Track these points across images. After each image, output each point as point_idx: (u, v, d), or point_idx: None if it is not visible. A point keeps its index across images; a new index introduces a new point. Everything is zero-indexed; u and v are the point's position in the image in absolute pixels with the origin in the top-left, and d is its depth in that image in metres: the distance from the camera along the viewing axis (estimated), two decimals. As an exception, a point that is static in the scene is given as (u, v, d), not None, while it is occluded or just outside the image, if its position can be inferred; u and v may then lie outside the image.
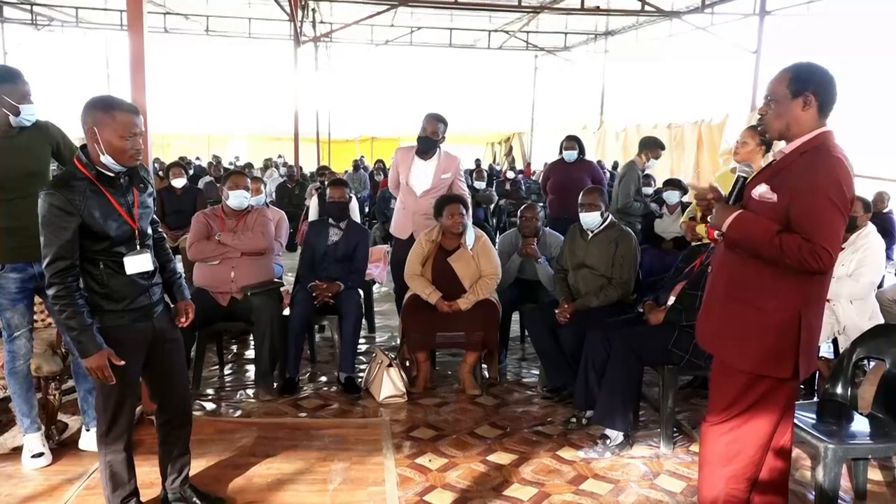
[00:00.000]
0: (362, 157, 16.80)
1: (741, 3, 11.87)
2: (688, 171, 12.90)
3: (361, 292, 4.63)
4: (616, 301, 3.94)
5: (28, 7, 15.62)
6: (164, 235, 2.70)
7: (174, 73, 19.07)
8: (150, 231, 2.52)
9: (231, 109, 21.04)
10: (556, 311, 3.97)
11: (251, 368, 4.48)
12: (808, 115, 2.06)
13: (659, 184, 8.84)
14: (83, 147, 2.33)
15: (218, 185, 8.82)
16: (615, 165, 14.74)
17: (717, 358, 2.29)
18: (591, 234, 4.06)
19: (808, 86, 2.05)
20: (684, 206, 6.21)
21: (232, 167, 15.66)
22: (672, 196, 6.13)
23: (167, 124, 17.90)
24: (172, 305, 2.66)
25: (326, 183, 7.05)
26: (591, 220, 4.01)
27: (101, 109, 2.25)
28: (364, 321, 4.92)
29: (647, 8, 12.00)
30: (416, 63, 20.76)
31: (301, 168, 12.61)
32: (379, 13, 12.95)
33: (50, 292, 2.23)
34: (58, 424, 3.36)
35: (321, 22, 15.36)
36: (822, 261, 1.95)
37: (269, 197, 8.69)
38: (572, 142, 6.48)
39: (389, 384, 3.94)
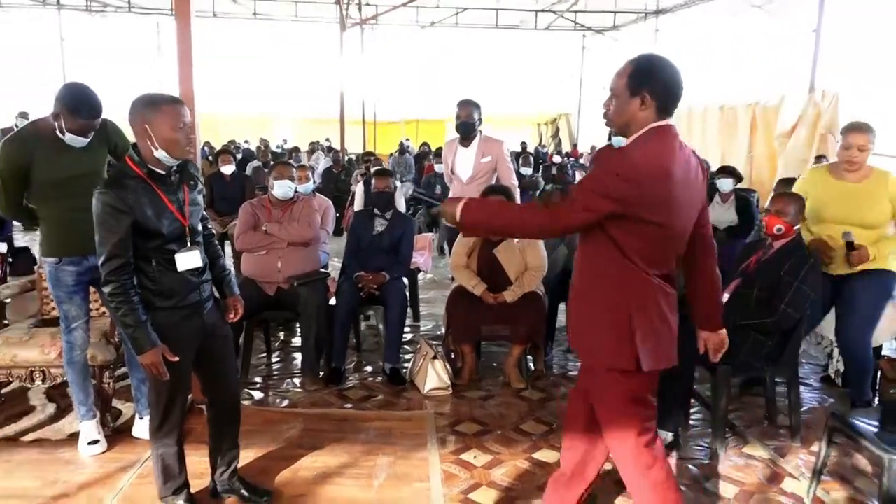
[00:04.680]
0: (407, 139, 16.77)
1: (801, -21, 11.39)
2: (740, 155, 12.51)
3: (406, 281, 4.63)
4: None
5: (83, -6, 16.08)
6: (213, 231, 2.72)
7: (222, 55, 19.36)
8: (200, 228, 2.54)
9: (278, 92, 21.24)
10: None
11: (297, 356, 4.52)
12: (646, 115, 2.00)
13: (712, 169, 8.67)
14: (134, 145, 2.35)
15: (265, 170, 8.93)
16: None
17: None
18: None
19: (644, 85, 1.99)
20: (738, 194, 6.02)
21: (279, 150, 15.84)
22: (726, 184, 5.90)
23: (215, 106, 18.17)
24: (222, 301, 2.69)
25: (371, 170, 7.07)
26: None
27: (149, 106, 2.29)
28: (409, 310, 4.88)
29: (701, -15, 11.62)
30: (462, 44, 20.52)
31: (346, 152, 12.67)
32: (425, -5, 12.90)
33: (106, 290, 2.27)
34: (112, 411, 3.43)
35: (367, 4, 15.35)
36: (549, 218, 1.99)
37: (316, 182, 8.77)
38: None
39: (434, 376, 3.92)
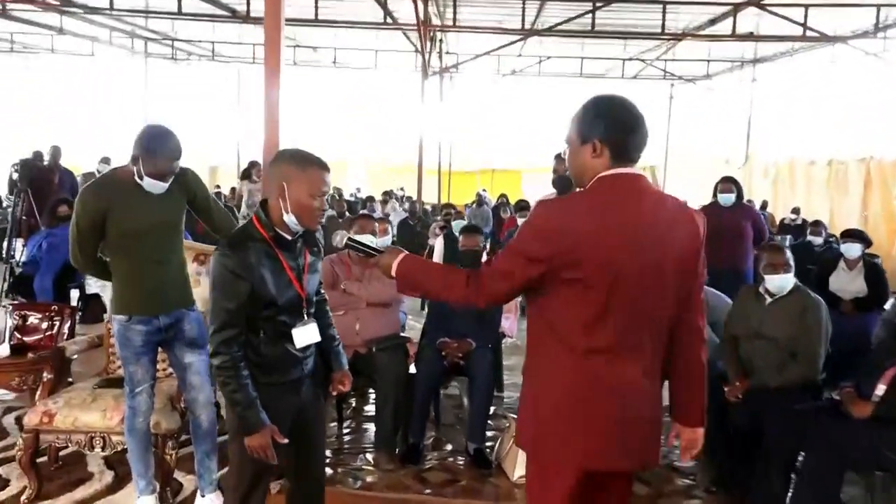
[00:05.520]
0: (484, 190, 16.59)
1: (922, 24, 10.82)
2: (851, 215, 11.81)
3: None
4: (800, 382, 3.39)
5: (170, 43, 16.93)
6: (326, 297, 2.59)
7: (301, 103, 20.04)
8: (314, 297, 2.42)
9: (352, 138, 21.77)
10: (726, 388, 3.50)
11: (370, 427, 4.30)
12: (599, 163, 1.82)
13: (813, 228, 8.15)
14: (263, 203, 2.25)
15: (340, 220, 8.93)
16: (764, 205, 13.80)
17: None
18: (769, 299, 3.59)
19: (594, 131, 1.81)
20: (867, 260, 5.53)
21: (353, 199, 16.01)
22: (853, 249, 5.38)
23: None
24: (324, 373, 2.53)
25: (453, 223, 6.93)
26: (781, 283, 3.51)
27: (295, 164, 2.17)
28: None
29: (808, 33, 11.16)
30: (542, 92, 20.59)
31: (423, 203, 12.65)
32: (510, 44, 12.92)
33: (215, 361, 2.16)
34: (172, 484, 3.27)
35: (447, 52, 15.56)
36: (472, 287, 1.85)
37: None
38: (729, 184, 5.93)
39: (525, 461, 3.62)
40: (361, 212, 11.51)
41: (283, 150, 2.25)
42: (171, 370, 3.41)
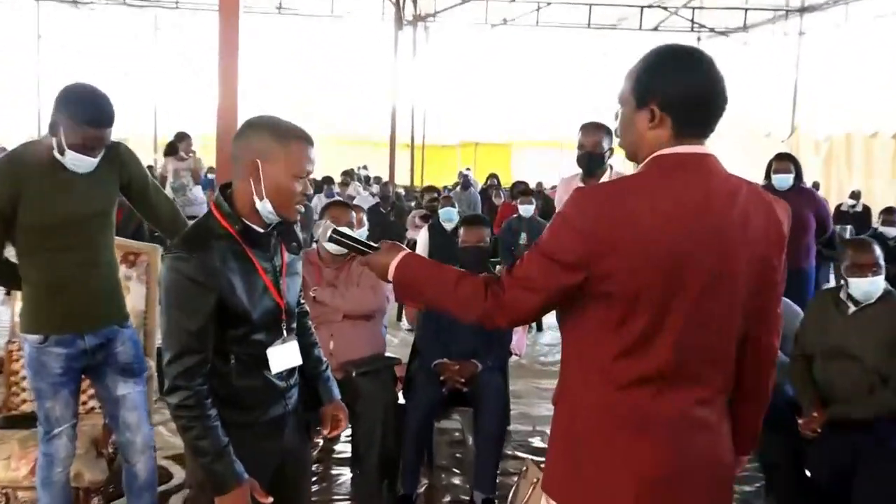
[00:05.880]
0: (468, 169, 16.35)
1: None
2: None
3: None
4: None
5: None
6: (307, 308, 2.54)
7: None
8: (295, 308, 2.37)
9: (302, 104, 21.52)
10: (800, 421, 3.49)
11: (345, 474, 4.25)
12: (659, 136, 1.73)
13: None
14: (224, 188, 2.16)
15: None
16: (815, 187, 13.91)
17: None
18: (853, 308, 3.57)
19: (653, 93, 1.72)
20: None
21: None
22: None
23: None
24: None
25: (443, 214, 6.85)
26: (869, 288, 3.49)
27: (272, 136, 2.07)
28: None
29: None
30: (539, 47, 20.57)
31: (392, 185, 12.56)
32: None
33: (172, 400, 2.04)
34: (100, 553, 3.23)
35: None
36: (491, 303, 1.76)
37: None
38: (786, 162, 5.89)
39: (550, 514, 3.60)
40: (327, 197, 11.32)
41: (254, 119, 2.15)
42: (94, 402, 3.39)
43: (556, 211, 1.87)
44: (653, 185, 1.72)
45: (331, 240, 2.14)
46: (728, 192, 1.73)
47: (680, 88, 1.71)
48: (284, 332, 2.23)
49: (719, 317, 1.74)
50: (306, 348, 2.40)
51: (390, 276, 1.93)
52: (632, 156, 1.86)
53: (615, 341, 1.71)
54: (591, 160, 4.26)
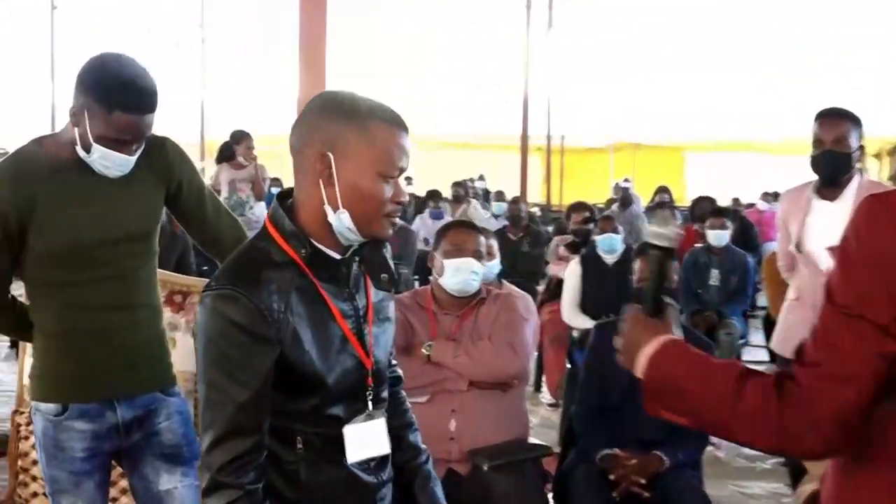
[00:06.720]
0: (626, 181, 13.92)
1: None
2: None
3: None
4: None
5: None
6: (400, 373, 2.40)
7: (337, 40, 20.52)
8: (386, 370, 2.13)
9: (399, 96, 21.64)
10: None
11: None
12: None
13: None
14: (283, 197, 2.00)
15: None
16: None
17: None
18: None
19: None
20: None
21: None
22: None
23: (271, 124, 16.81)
24: None
25: (602, 243, 6.79)
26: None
27: (351, 118, 1.88)
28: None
29: None
30: (723, 14, 20.35)
31: (524, 202, 12.38)
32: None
33: (212, 500, 1.90)
34: None
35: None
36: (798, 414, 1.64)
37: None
38: None
39: None
40: (433, 219, 11.50)
41: (322, 97, 2.00)
42: (125, 501, 3.32)
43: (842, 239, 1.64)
44: None
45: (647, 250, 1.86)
46: None
47: None
48: (370, 405, 2.09)
49: None
50: (397, 430, 2.27)
51: (641, 371, 1.79)
52: None
53: None
54: (835, 162, 4.22)
